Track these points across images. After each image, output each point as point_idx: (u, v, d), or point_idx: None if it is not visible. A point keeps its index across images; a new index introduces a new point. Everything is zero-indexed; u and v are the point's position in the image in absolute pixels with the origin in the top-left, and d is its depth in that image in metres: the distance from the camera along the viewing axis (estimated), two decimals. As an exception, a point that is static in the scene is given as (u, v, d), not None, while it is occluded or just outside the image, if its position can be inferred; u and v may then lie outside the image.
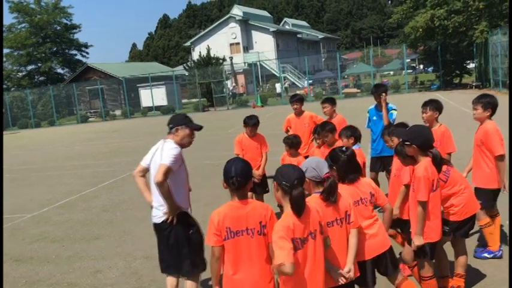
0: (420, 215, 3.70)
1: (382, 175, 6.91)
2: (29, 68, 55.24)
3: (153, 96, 38.80)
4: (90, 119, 41.57)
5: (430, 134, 3.95)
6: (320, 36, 77.83)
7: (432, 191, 3.72)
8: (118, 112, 41.65)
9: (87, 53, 60.78)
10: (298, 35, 68.57)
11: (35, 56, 53.63)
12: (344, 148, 3.59)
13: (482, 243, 5.11)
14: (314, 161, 3.23)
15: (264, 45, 57.90)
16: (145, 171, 4.36)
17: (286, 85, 45.39)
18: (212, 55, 41.47)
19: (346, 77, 50.52)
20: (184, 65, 46.87)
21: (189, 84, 45.15)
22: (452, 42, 30.68)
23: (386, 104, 6.61)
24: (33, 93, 43.55)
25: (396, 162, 4.45)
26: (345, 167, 3.48)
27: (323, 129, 5.61)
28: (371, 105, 7.03)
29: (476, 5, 27.45)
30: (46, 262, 6.34)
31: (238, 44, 58.48)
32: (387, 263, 3.57)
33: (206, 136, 18.47)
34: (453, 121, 10.13)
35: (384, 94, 6.61)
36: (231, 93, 41.03)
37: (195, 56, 49.76)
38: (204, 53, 42.23)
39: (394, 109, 6.74)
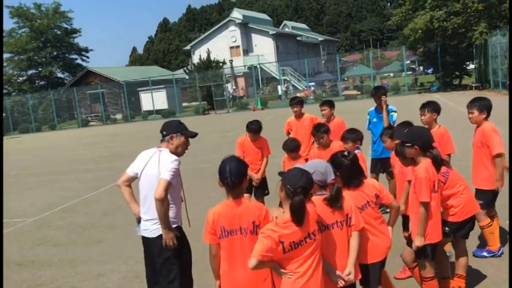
0: (422, 216, 3.71)
1: (382, 176, 6.93)
2: (30, 72, 55.33)
3: (154, 99, 38.84)
4: (91, 123, 41.61)
5: (430, 134, 3.98)
6: (320, 39, 77.96)
7: (433, 192, 3.74)
8: (119, 116, 41.71)
9: (88, 57, 60.96)
10: (298, 38, 68.65)
11: (36, 60, 53.70)
12: (346, 152, 3.58)
13: (483, 243, 5.13)
14: (323, 166, 3.23)
15: (264, 48, 57.97)
16: (132, 181, 4.09)
17: (290, 87, 45.49)
18: (212, 58, 41.56)
19: (346, 79, 50.58)
20: (185, 68, 46.95)
21: (190, 88, 45.27)
22: (451, 43, 30.73)
23: (387, 105, 6.64)
24: (34, 98, 43.64)
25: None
26: (349, 172, 3.48)
27: (318, 131, 5.63)
28: (371, 107, 7.07)
29: (475, 7, 27.52)
30: (48, 266, 6.36)
31: (238, 47, 58.58)
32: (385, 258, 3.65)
33: (206, 139, 18.51)
34: (453, 122, 10.15)
35: (384, 96, 6.65)
36: (231, 96, 41.07)
37: (195, 59, 49.87)
38: (204, 56, 42.32)
39: (394, 111, 6.77)
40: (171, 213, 3.86)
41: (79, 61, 58.39)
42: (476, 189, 4.87)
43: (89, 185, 11.95)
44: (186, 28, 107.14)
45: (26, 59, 52.64)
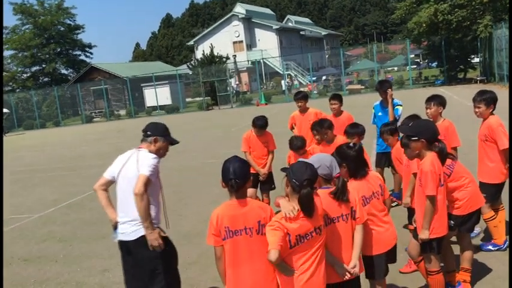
0: (428, 209, 3.70)
1: (387, 171, 6.91)
2: (34, 69, 55.58)
3: (157, 95, 38.88)
4: (94, 119, 41.72)
5: (436, 127, 3.96)
6: (323, 33, 77.72)
7: (439, 185, 3.73)
8: (122, 112, 41.77)
9: (91, 53, 61.06)
10: (301, 32, 68.46)
11: (39, 57, 53.88)
12: (351, 144, 3.61)
13: (488, 237, 5.12)
14: (328, 160, 3.23)
15: (267, 43, 57.87)
16: (109, 185, 3.95)
17: (295, 82, 45.39)
18: (215, 53, 41.48)
19: (350, 73, 50.43)
20: (188, 64, 46.95)
21: (193, 83, 45.24)
22: (456, 37, 30.52)
23: (392, 99, 6.62)
24: (38, 94, 43.81)
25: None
26: (355, 163, 3.51)
27: (322, 127, 5.58)
28: (376, 101, 7.03)
29: (480, -1, 27.33)
30: (54, 261, 6.39)
31: (241, 42, 58.52)
32: (395, 252, 3.68)
33: (210, 134, 18.52)
34: (458, 116, 10.11)
35: (390, 89, 6.63)
36: (234, 92, 41.07)
37: (199, 54, 49.85)
38: (207, 51, 42.28)
39: (400, 105, 6.75)
40: (151, 213, 3.68)
41: (82, 57, 58.69)
42: (480, 182, 4.85)
43: (94, 180, 11.85)
44: (189, 23, 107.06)
45: (29, 55, 52.81)
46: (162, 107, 38.57)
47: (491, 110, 4.83)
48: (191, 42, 64.25)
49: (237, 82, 47.83)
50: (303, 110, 7.34)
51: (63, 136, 28.62)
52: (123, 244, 3.81)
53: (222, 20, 61.76)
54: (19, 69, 54.70)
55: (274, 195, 6.04)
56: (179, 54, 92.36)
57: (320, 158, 3.28)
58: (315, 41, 74.18)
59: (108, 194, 3.95)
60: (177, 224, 7.05)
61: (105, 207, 3.93)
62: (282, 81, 41.99)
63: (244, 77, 54.00)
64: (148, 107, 40.41)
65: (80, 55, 58.61)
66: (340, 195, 3.13)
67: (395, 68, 56.00)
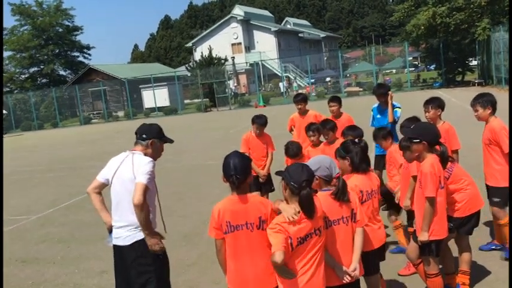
0: (428, 211, 3.70)
1: (385, 173, 6.90)
2: (32, 70, 55.44)
3: (156, 97, 38.88)
4: (93, 121, 41.65)
5: (437, 130, 3.97)
6: (322, 35, 77.74)
7: (439, 188, 3.73)
8: (121, 113, 41.72)
9: (89, 54, 61.00)
10: (300, 34, 68.50)
11: (38, 58, 53.78)
12: (357, 140, 3.71)
13: (501, 241, 5.01)
14: (327, 161, 3.25)
15: (266, 45, 57.88)
16: (102, 188, 3.87)
17: (294, 84, 45.39)
18: (214, 55, 41.49)
19: (348, 75, 50.50)
20: (186, 65, 46.94)
21: (191, 85, 45.23)
22: (454, 39, 30.63)
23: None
24: (36, 96, 43.74)
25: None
26: (359, 156, 3.59)
27: (324, 128, 5.62)
28: (374, 104, 7.04)
29: (478, 2, 27.42)
30: (52, 263, 6.37)
31: (239, 44, 58.50)
32: (384, 250, 3.79)
33: (209, 136, 18.51)
34: (457, 119, 10.12)
35: (390, 92, 6.67)
36: (233, 93, 41.07)
37: (197, 56, 49.84)
38: (205, 53, 42.29)
39: (398, 107, 6.75)
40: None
41: (81, 58, 58.54)
42: (490, 187, 4.82)
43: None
44: (188, 25, 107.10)
45: (27, 56, 52.71)
46: (160, 109, 38.53)
47: (489, 112, 4.78)
48: (189, 44, 64.20)
49: (236, 84, 47.82)
50: (303, 112, 7.35)
51: (62, 137, 28.58)
52: (117, 248, 3.77)
53: (221, 21, 61.75)
54: (17, 70, 54.54)
55: (273, 197, 6.03)
56: (178, 56, 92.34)
57: (319, 159, 3.30)
58: (313, 43, 74.23)
59: (102, 197, 3.88)
60: (176, 225, 7.05)
61: (100, 211, 3.86)
62: (280, 83, 41.98)
63: (243, 78, 53.98)
64: (146, 108, 40.37)
65: (78, 56, 58.56)
66: (341, 195, 3.13)
67: (394, 71, 56.13)
